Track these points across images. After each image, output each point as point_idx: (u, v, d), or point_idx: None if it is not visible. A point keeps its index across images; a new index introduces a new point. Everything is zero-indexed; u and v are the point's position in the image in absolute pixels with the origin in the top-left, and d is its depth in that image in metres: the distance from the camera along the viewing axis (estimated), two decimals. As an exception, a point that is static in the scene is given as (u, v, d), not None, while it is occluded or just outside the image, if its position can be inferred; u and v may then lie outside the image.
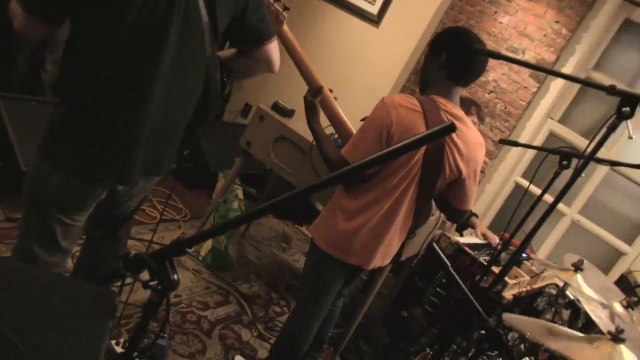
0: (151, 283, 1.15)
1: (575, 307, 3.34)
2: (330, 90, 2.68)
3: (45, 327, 1.14)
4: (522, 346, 2.81)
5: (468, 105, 3.30)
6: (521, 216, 2.33)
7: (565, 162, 2.28)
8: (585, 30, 4.37)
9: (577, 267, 2.41)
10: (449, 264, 2.57)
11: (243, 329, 3.34)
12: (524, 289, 3.43)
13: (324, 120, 2.58)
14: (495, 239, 3.80)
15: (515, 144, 2.90)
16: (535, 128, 4.54)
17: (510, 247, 3.58)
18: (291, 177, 3.42)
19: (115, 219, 2.17)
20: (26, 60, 4.19)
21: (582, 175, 1.86)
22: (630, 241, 4.26)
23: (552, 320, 3.04)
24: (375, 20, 4.70)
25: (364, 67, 4.78)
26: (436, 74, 2.34)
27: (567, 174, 2.23)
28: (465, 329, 2.77)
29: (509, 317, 2.08)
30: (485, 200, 4.66)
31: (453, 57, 2.28)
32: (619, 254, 4.29)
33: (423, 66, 2.42)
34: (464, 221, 3.43)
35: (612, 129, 1.75)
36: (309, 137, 3.28)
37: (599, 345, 1.85)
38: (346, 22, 4.88)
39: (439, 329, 3.45)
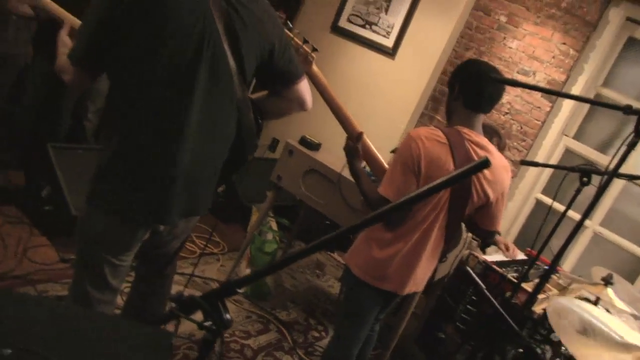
0: (205, 323, 1.15)
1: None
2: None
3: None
4: None
5: (490, 134, 3.29)
6: (544, 232, 2.30)
7: (585, 179, 2.25)
8: (591, 49, 4.34)
9: (607, 282, 2.37)
10: (484, 287, 2.52)
11: (285, 355, 3.31)
12: (554, 303, 3.37)
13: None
14: (516, 253, 3.76)
15: (536, 164, 2.88)
16: (551, 146, 4.49)
17: (537, 263, 3.53)
18: (322, 208, 3.42)
19: (161, 258, 2.19)
20: (71, 111, 4.28)
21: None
22: (652, 249, 4.17)
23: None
24: (390, 52, 4.72)
25: (382, 98, 4.79)
26: (455, 105, 2.36)
27: (587, 189, 2.22)
28: (499, 345, 2.72)
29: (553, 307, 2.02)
30: (508, 217, 4.60)
31: (464, 87, 2.31)
32: (642, 262, 4.21)
33: (446, 100, 2.44)
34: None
35: (631, 146, 1.74)
36: (337, 168, 3.30)
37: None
38: (362, 56, 4.91)
39: (473, 345, 3.39)
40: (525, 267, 3.76)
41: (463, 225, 2.61)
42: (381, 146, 2.92)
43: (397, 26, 4.67)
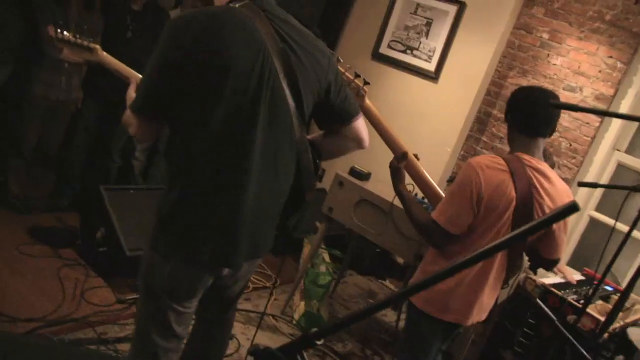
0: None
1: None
2: (417, 157, 2.60)
3: None
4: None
5: None
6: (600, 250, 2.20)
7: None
8: (640, 61, 4.19)
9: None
10: (556, 319, 2.41)
11: (344, 389, 3.22)
12: (617, 325, 3.22)
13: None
14: (571, 277, 3.62)
15: (595, 185, 2.77)
16: (602, 162, 4.33)
17: (596, 283, 3.38)
18: (375, 238, 3.34)
19: (222, 302, 2.14)
20: (120, 151, 4.32)
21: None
22: None
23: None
24: (433, 76, 4.64)
25: (427, 122, 4.70)
26: (513, 133, 2.33)
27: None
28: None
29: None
30: (562, 237, 4.44)
31: (517, 114, 2.29)
32: None
33: (507, 130, 2.38)
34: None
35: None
36: (388, 197, 3.22)
37: None
38: (405, 81, 4.84)
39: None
40: (585, 288, 3.62)
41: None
42: (429, 171, 2.85)
43: (438, 50, 4.60)
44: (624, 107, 4.25)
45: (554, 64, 4.51)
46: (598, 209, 4.40)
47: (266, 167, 1.78)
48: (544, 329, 3.40)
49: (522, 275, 3.52)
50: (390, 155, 2.57)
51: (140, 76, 2.09)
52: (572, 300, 3.31)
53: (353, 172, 3.48)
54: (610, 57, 4.26)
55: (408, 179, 2.54)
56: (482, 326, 3.73)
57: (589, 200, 4.38)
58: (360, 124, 1.97)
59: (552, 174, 2.28)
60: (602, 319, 3.06)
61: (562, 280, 3.60)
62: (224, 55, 1.63)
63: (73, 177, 4.19)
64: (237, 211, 1.76)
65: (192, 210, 1.74)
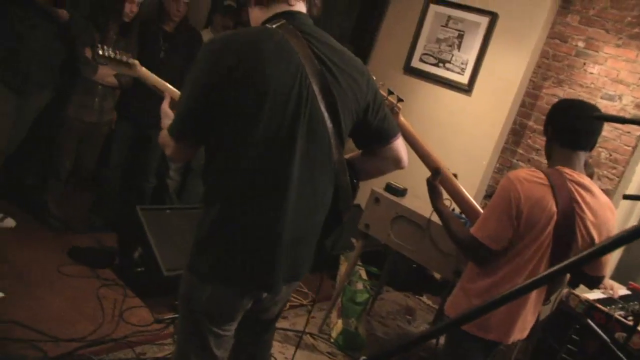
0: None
1: None
2: (455, 176, 2.57)
3: None
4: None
5: None
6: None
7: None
8: (682, 67, 4.09)
9: None
10: (609, 340, 2.34)
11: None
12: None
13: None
14: (616, 291, 3.52)
15: (640, 197, 2.69)
16: (644, 172, 4.23)
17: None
18: (412, 254, 3.30)
19: (261, 324, 2.11)
20: (155, 171, 4.37)
21: None
22: None
23: None
24: (466, 89, 4.60)
25: (461, 135, 4.65)
26: (553, 146, 2.29)
27: None
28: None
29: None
30: (605, 250, 4.33)
31: (557, 127, 2.25)
32: None
33: (545, 143, 2.34)
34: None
35: None
36: (425, 213, 3.18)
37: None
38: (438, 94, 4.80)
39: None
40: (632, 303, 3.51)
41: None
42: (465, 185, 2.81)
43: (471, 62, 4.55)
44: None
45: (591, 73, 4.43)
46: (642, 220, 4.30)
47: (304, 189, 1.76)
48: (588, 345, 3.31)
49: (565, 291, 3.44)
50: (427, 171, 2.54)
51: (177, 91, 2.10)
52: (619, 317, 3.21)
53: (389, 188, 3.45)
54: (651, 63, 4.18)
55: (445, 195, 2.51)
56: (525, 343, 3.65)
57: (631, 212, 4.27)
58: (400, 144, 1.94)
59: (594, 187, 2.22)
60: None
61: (606, 295, 3.50)
62: (261, 78, 1.62)
63: (110, 198, 4.24)
64: (275, 234, 1.74)
65: (230, 234, 1.73)
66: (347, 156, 1.95)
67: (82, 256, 3.64)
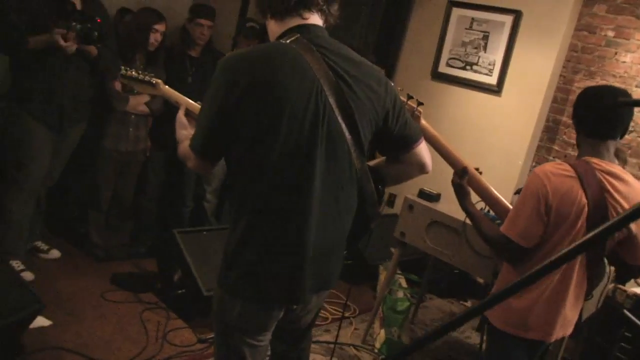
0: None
1: None
2: (478, 171, 2.54)
3: None
4: None
5: None
6: None
7: None
8: None
9: None
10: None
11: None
12: None
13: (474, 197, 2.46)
14: None
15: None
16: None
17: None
18: (449, 259, 3.27)
19: (296, 333, 2.14)
20: (191, 194, 4.45)
21: None
22: None
23: None
24: (495, 89, 4.55)
25: (494, 137, 4.59)
26: (580, 137, 2.25)
27: None
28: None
29: None
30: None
31: (582, 117, 2.22)
32: None
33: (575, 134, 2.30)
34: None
35: None
36: (459, 216, 3.15)
37: None
38: (468, 97, 4.76)
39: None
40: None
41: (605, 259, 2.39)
42: (501, 185, 2.78)
43: (498, 62, 4.51)
44: None
45: (623, 62, 4.34)
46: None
47: (327, 200, 1.78)
48: (642, 342, 3.20)
49: (611, 286, 3.34)
50: (459, 174, 2.53)
51: (191, 102, 2.15)
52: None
53: (422, 194, 3.44)
54: (685, 48, 4.07)
55: (474, 195, 2.48)
56: (573, 343, 3.56)
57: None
58: (423, 149, 1.94)
59: (626, 175, 2.17)
60: None
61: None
62: (276, 94, 1.65)
63: (149, 224, 4.34)
64: (300, 247, 1.77)
65: (256, 248, 1.76)
66: (371, 163, 1.97)
67: (125, 282, 3.73)
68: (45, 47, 3.19)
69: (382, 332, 3.59)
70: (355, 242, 1.99)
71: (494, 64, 4.55)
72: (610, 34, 4.39)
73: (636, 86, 4.27)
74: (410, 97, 2.40)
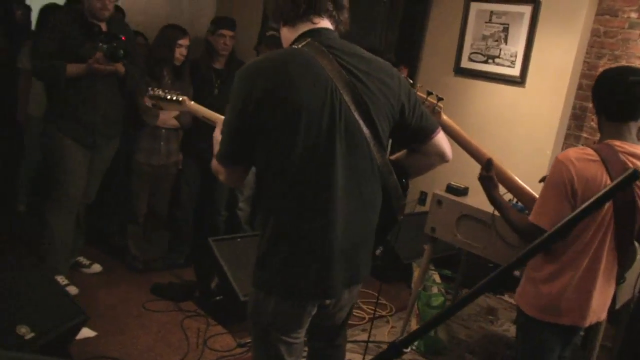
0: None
1: None
2: None
3: None
4: None
5: None
6: None
7: None
8: None
9: None
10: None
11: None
12: None
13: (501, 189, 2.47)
14: None
15: None
16: None
17: None
18: (481, 251, 3.27)
19: (331, 330, 2.18)
20: (225, 203, 4.54)
21: None
22: None
23: None
24: (519, 81, 4.53)
25: (520, 128, 4.57)
26: (601, 120, 2.25)
27: None
28: None
29: None
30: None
31: (600, 100, 2.21)
32: None
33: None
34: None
35: None
36: (488, 209, 3.15)
37: None
38: (492, 91, 4.75)
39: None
40: None
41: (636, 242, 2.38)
42: (530, 176, 2.77)
43: (520, 53, 4.49)
44: None
45: (648, 44, 4.28)
46: None
47: (351, 196, 1.83)
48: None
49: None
50: (482, 166, 2.54)
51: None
52: None
53: (450, 188, 3.45)
54: None
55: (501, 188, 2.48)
56: (613, 329, 3.52)
57: None
58: (441, 138, 1.99)
59: None
60: None
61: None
62: (293, 97, 1.71)
63: (185, 235, 4.44)
64: (327, 243, 1.82)
65: (285, 247, 1.82)
66: (392, 157, 2.02)
67: (165, 292, 3.83)
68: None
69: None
70: (384, 235, 2.05)
71: (515, 56, 4.53)
72: (634, 15, 4.33)
73: (663, 68, 4.20)
74: (430, 93, 2.43)
